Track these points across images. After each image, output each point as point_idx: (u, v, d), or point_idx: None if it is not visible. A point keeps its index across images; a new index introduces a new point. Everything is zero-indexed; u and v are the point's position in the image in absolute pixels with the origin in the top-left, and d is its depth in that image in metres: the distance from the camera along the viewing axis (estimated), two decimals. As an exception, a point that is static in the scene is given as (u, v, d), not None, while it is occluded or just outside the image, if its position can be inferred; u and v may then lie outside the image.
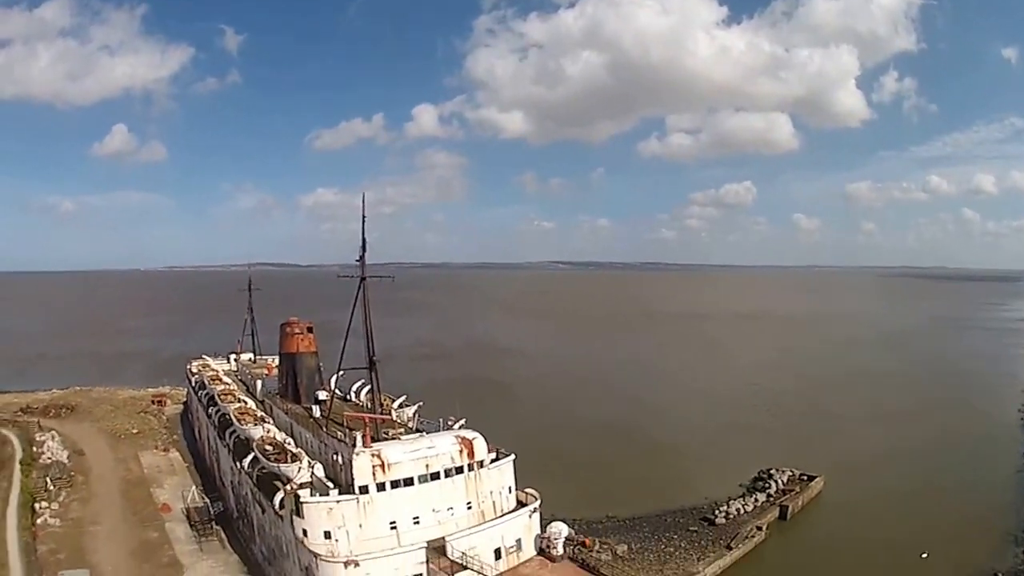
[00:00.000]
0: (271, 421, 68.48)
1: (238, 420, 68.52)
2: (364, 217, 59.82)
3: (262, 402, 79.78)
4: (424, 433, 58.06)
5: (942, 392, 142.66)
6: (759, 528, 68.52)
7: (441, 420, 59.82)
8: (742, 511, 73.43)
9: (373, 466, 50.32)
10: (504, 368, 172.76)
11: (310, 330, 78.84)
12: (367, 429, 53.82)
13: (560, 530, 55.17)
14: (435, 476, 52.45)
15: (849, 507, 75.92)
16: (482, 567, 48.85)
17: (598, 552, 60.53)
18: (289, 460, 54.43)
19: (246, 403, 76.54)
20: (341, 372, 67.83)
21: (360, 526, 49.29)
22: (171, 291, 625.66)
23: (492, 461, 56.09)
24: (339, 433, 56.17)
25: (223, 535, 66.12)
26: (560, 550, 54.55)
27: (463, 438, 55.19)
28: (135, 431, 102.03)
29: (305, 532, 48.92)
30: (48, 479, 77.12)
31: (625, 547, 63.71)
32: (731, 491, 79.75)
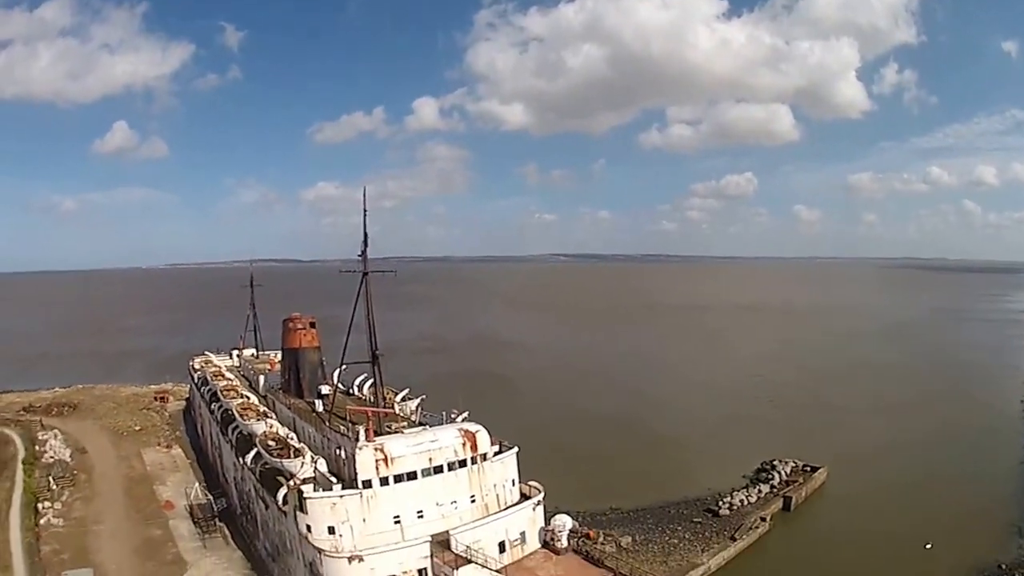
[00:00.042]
0: (274, 416, 68.27)
1: (241, 416, 68.32)
2: (365, 211, 59.48)
3: (265, 397, 79.63)
4: (427, 427, 57.88)
5: (944, 383, 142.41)
6: (763, 519, 68.58)
7: (444, 413, 59.58)
8: (746, 502, 73.43)
9: (376, 460, 50.10)
10: (506, 361, 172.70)
11: (312, 325, 78.68)
12: (370, 423, 53.67)
13: (564, 523, 54.97)
14: (438, 470, 52.24)
15: (852, 498, 75.96)
16: (486, 560, 48.62)
17: (602, 544, 60.56)
18: (292, 455, 54.26)
19: (249, 399, 76.38)
20: (344, 366, 67.55)
21: (364, 521, 49.10)
22: (173, 288, 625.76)
23: (495, 454, 55.81)
24: (342, 427, 55.94)
25: (226, 532, 66.17)
26: (564, 543, 54.36)
27: (466, 431, 54.96)
28: (138, 428, 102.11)
29: (309, 528, 48.76)
30: (51, 478, 77.20)
31: (629, 539, 63.80)
32: (735, 482, 79.77)
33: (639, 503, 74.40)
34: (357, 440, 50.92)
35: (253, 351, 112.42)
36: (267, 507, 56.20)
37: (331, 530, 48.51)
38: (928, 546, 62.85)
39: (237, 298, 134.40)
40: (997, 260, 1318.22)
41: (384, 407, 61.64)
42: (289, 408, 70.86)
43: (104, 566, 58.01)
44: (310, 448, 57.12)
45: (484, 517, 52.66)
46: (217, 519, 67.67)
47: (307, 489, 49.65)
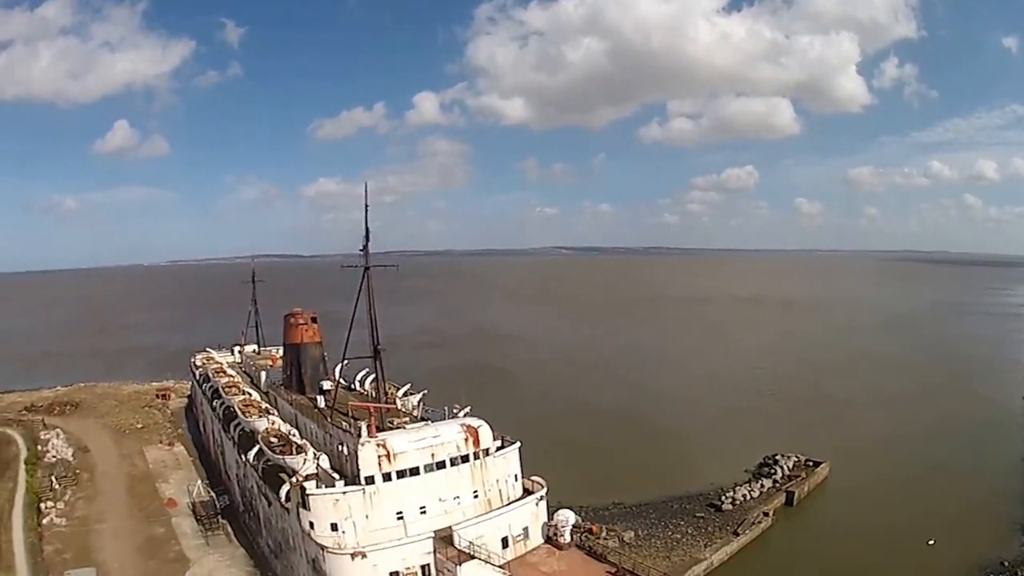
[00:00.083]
0: (276, 412, 68.19)
1: (243, 412, 68.14)
2: (367, 206, 59.15)
3: (267, 393, 79.48)
4: (429, 422, 57.76)
5: (945, 377, 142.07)
6: (766, 514, 68.46)
7: (446, 408, 59.41)
8: (748, 497, 73.26)
9: (379, 456, 49.97)
10: (508, 355, 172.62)
11: (314, 320, 78.46)
12: (372, 419, 53.41)
13: (567, 517, 54.92)
14: (441, 465, 52.08)
15: (855, 493, 75.79)
16: (489, 556, 48.60)
17: (605, 539, 60.60)
18: (294, 452, 54.10)
19: (250, 395, 76.11)
20: (346, 361, 67.47)
21: (367, 517, 49.02)
22: (174, 285, 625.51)
23: (498, 449, 55.72)
24: (344, 423, 55.72)
25: (229, 529, 66.14)
26: (567, 537, 54.33)
27: (468, 426, 54.82)
28: (139, 426, 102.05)
29: (312, 524, 48.67)
30: (53, 478, 77.09)
31: (632, 534, 63.75)
32: (737, 477, 79.63)
33: (642, 498, 74.29)
34: (359, 436, 50.76)
35: (255, 347, 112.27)
36: (270, 504, 56.12)
37: (334, 527, 48.43)
38: (931, 542, 62.66)
39: (238, 294, 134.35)
40: (998, 254, 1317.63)
41: (386, 402, 61.52)
42: (291, 404, 70.69)
43: (107, 565, 57.96)
44: (312, 444, 56.98)
45: (487, 512, 52.59)
46: (220, 516, 67.60)
47: (310, 486, 49.58)
